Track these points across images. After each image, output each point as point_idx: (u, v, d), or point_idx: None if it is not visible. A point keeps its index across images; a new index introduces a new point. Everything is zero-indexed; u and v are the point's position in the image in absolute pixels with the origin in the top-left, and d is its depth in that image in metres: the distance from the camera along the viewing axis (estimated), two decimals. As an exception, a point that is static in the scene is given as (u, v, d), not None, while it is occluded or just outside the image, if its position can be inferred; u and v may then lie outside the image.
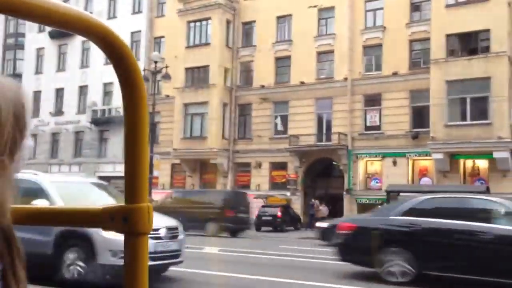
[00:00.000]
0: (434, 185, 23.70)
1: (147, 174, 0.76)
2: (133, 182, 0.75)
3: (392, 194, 23.03)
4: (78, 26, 0.69)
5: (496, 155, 22.20)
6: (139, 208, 0.75)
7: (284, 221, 25.36)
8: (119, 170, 33.75)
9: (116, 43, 0.72)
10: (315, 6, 28.50)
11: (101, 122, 34.70)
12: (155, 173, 25.18)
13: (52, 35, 38.38)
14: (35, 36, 39.97)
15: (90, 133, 35.63)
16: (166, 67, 24.62)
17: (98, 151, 35.33)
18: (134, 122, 0.75)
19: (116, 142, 34.28)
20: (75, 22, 0.68)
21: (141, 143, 0.75)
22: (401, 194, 21.14)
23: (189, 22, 31.66)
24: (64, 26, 0.69)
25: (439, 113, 23.32)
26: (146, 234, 0.76)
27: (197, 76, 31.18)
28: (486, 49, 23.00)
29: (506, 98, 22.05)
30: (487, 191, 20.03)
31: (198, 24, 31.54)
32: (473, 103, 22.95)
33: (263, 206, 25.97)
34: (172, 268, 8.31)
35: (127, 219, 0.75)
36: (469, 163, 24.28)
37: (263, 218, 25.14)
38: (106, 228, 0.78)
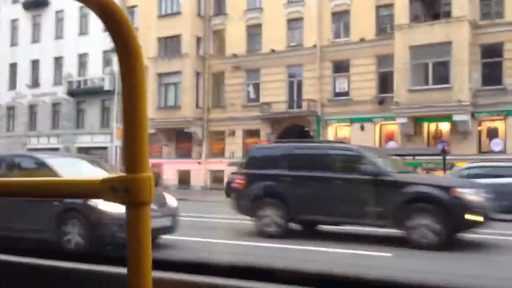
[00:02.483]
0: (397, 148, 24.37)
1: (147, 142, 0.73)
2: (134, 151, 0.72)
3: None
4: None
5: (456, 118, 22.83)
6: (141, 177, 0.73)
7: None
8: (97, 140, 34.18)
9: (112, 7, 0.70)
10: None
11: (78, 94, 34.88)
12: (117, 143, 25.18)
13: (26, 6, 38.12)
14: (10, 8, 39.61)
15: (67, 104, 35.84)
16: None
17: (75, 123, 35.64)
18: (132, 88, 0.72)
19: (93, 113, 34.61)
20: None
21: (140, 110, 0.72)
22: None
23: (160, -9, 31.55)
24: None
25: (402, 78, 23.81)
26: (149, 204, 0.74)
27: (169, 46, 31.30)
28: (448, 14, 23.35)
29: (466, 62, 22.57)
30: (443, 152, 20.73)
31: (169, -7, 31.44)
32: (435, 68, 23.44)
33: (232, 173, 26.48)
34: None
35: (129, 189, 0.73)
36: (432, 126, 24.95)
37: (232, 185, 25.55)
38: (107, 199, 0.76)
